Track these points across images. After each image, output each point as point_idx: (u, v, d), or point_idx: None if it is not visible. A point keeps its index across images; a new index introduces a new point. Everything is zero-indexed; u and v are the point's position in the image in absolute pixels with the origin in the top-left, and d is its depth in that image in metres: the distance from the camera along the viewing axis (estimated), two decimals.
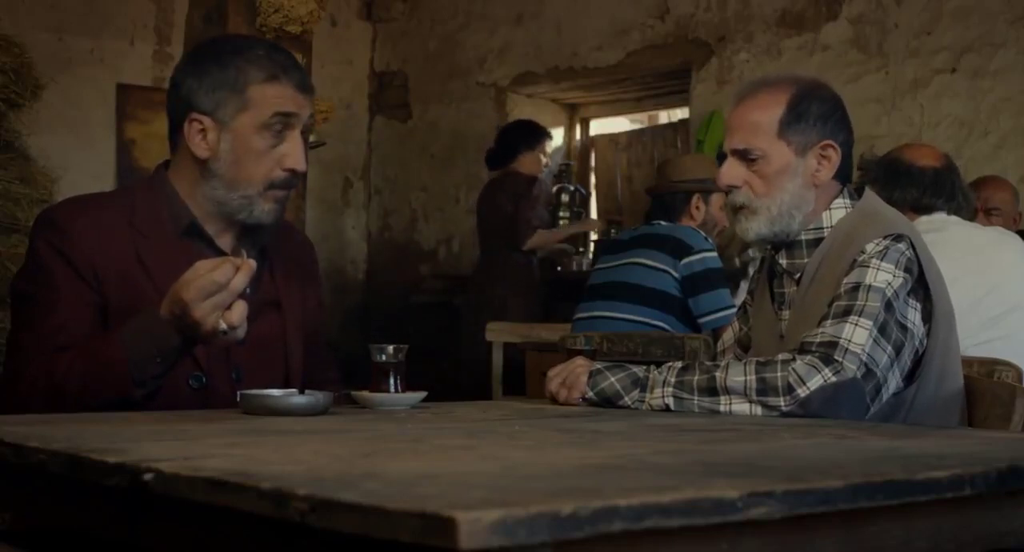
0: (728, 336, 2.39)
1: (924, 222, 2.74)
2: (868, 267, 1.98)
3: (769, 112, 2.09)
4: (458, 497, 0.96)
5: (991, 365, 2.19)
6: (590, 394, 2.01)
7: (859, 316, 1.93)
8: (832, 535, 1.14)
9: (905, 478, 1.15)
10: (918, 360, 2.02)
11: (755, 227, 2.11)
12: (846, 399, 1.88)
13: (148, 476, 1.15)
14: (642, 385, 1.97)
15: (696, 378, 1.93)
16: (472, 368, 5.17)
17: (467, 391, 4.73)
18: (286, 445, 1.39)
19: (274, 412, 1.78)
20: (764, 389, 1.87)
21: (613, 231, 6.29)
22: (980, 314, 2.61)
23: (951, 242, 2.67)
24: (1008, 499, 1.28)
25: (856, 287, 1.96)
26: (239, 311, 1.81)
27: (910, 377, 2.01)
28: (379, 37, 7.39)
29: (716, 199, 4.06)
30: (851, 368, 1.88)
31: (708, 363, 1.99)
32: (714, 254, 3.87)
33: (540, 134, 5.76)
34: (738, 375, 1.90)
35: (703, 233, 3.93)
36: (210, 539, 1.16)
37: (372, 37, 7.41)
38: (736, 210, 2.14)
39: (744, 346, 2.32)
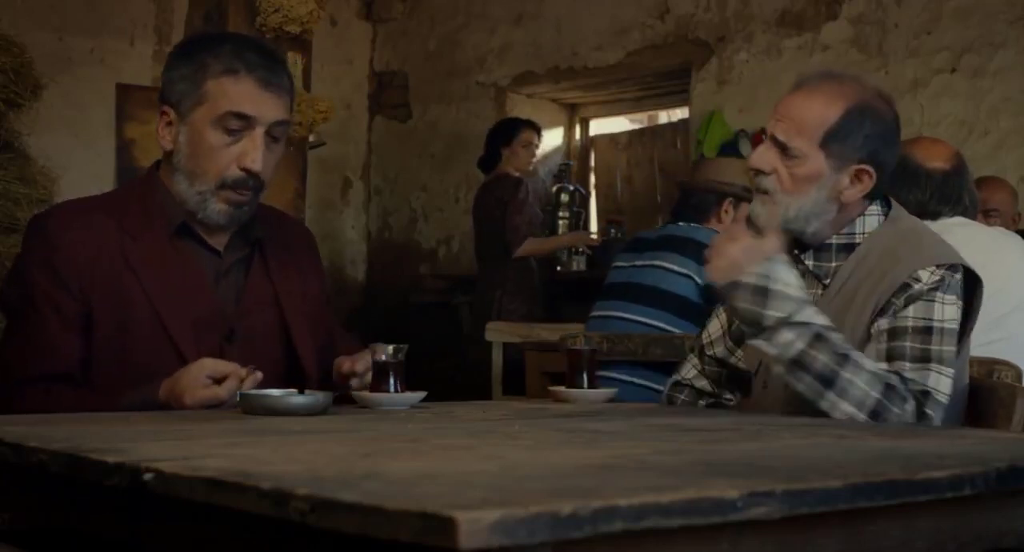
0: (715, 327, 2.30)
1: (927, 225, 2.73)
2: (934, 302, 1.96)
3: (820, 115, 2.01)
4: (458, 497, 0.96)
5: (991, 365, 2.19)
6: (718, 288, 1.95)
7: (940, 364, 1.93)
8: (832, 535, 1.14)
9: (905, 478, 1.15)
10: None
11: (767, 219, 2.06)
12: None
13: (148, 476, 1.15)
14: (760, 332, 1.90)
15: (821, 360, 1.87)
16: (472, 368, 5.17)
17: (467, 391, 4.73)
18: (286, 445, 1.39)
19: (274, 412, 1.78)
20: (877, 415, 1.85)
21: (612, 231, 6.29)
22: (984, 315, 2.60)
23: (955, 244, 2.66)
24: (1008, 499, 1.28)
25: (929, 329, 1.94)
26: (229, 388, 1.87)
27: None
28: (379, 37, 7.39)
29: (745, 209, 3.95)
30: (936, 420, 1.90)
31: (839, 344, 1.89)
32: None
33: (513, 127, 5.70)
34: (863, 382, 1.86)
35: None
36: (210, 539, 1.16)
37: (372, 37, 7.41)
38: (759, 193, 2.09)
39: (736, 338, 2.23)
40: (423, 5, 7.13)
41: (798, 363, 1.88)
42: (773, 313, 1.89)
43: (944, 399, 1.91)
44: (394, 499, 0.93)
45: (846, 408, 1.86)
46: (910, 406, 1.89)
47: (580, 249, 6.18)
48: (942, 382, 1.92)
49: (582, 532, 0.92)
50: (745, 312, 1.91)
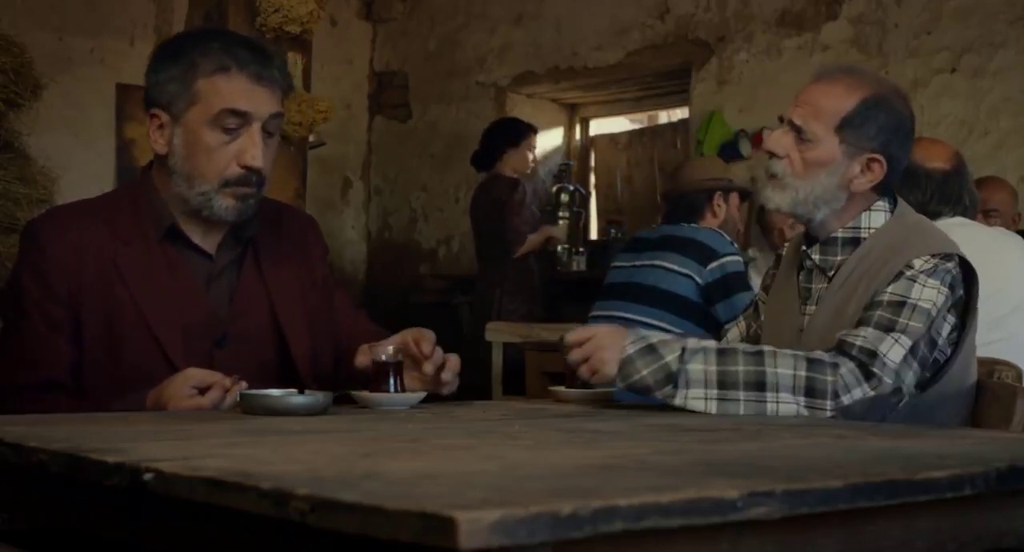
0: (734, 335, 2.36)
1: None
2: (915, 282, 1.98)
3: (838, 102, 2.07)
4: (458, 497, 0.96)
5: (991, 365, 2.19)
6: (619, 385, 1.92)
7: (902, 334, 1.94)
8: (832, 535, 1.14)
9: (905, 478, 1.15)
10: (939, 366, 2.03)
11: (777, 200, 2.11)
12: (877, 408, 1.92)
13: (148, 476, 1.15)
14: (675, 380, 1.88)
15: (741, 369, 1.88)
16: (472, 368, 5.16)
17: (467, 391, 4.73)
18: (286, 445, 1.39)
19: (273, 412, 1.78)
20: (812, 390, 1.87)
21: (613, 231, 6.29)
22: (984, 316, 2.61)
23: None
24: (1008, 499, 1.28)
25: (902, 303, 1.96)
26: (213, 398, 1.88)
27: (928, 381, 2.02)
28: (379, 37, 7.39)
29: (734, 199, 3.99)
30: (888, 383, 1.91)
31: (746, 347, 1.92)
32: (736, 257, 3.76)
33: (523, 130, 5.71)
34: (786, 367, 1.88)
35: (726, 235, 3.82)
36: (210, 539, 1.16)
37: (372, 37, 7.41)
38: (769, 177, 2.13)
39: (754, 344, 2.28)
40: (423, 5, 7.13)
41: (724, 383, 1.88)
42: (671, 356, 1.89)
43: (893, 366, 1.92)
44: (394, 499, 0.93)
45: (786, 398, 1.87)
46: (845, 368, 1.89)
47: (579, 248, 6.18)
48: (894, 349, 1.93)
49: (582, 532, 0.92)
50: (652, 374, 1.89)
